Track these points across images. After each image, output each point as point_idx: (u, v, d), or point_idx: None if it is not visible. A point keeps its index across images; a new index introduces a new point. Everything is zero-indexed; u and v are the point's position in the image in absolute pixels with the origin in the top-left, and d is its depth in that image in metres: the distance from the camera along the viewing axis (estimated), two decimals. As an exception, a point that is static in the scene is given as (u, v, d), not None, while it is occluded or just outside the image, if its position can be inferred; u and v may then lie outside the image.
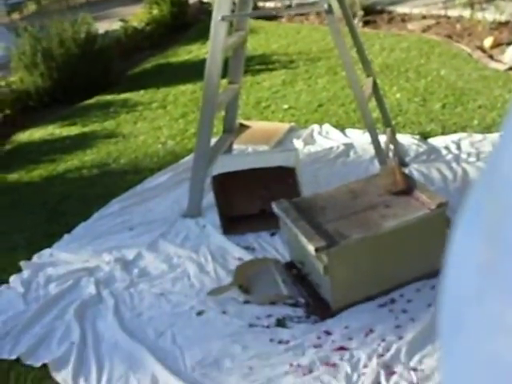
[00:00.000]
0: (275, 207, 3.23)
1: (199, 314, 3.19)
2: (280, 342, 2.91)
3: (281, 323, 3.03)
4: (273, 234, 3.71)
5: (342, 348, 2.79)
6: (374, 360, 2.69)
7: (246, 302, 3.20)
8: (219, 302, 3.23)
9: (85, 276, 3.58)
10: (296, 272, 3.28)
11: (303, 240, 2.88)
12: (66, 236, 4.05)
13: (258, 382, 2.72)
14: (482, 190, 0.48)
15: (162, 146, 5.18)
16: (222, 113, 4.45)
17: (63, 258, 3.80)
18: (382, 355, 2.71)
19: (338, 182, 4.15)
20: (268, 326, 3.02)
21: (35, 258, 3.82)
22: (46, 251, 3.88)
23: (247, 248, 3.67)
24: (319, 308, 3.01)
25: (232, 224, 3.85)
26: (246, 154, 4.43)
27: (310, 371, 2.71)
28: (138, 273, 3.59)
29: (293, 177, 3.64)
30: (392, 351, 2.72)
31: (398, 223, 2.88)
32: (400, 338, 2.78)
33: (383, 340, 2.78)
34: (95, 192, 4.61)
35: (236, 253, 3.62)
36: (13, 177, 5.05)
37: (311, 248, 2.81)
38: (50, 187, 4.79)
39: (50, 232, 4.14)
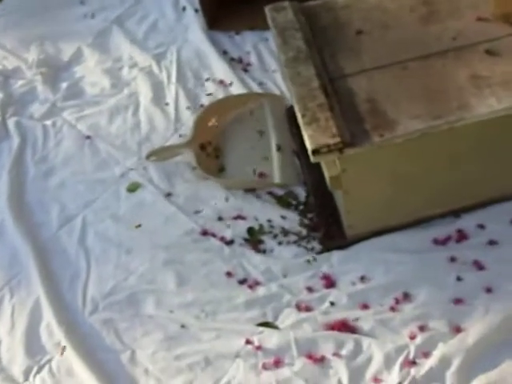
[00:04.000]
0: (268, 14, 1.58)
1: (131, 190, 1.79)
2: (241, 282, 1.54)
3: (253, 237, 1.62)
4: (285, 41, 2.07)
5: (343, 324, 1.41)
6: (396, 370, 1.32)
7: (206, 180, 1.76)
8: (164, 171, 1.80)
9: (-5, 85, 2.15)
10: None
11: (300, 121, 1.32)
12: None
13: (185, 359, 1.42)
14: None
15: None
16: None
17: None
18: (413, 362, 1.32)
19: None
20: (230, 242, 1.62)
21: None
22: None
23: (239, 61, 2.08)
24: (326, 224, 1.56)
25: (223, 14, 2.21)
26: None
27: (277, 363, 1.37)
28: (66, 89, 2.12)
29: None
30: (434, 360, 1.31)
31: (504, 108, 1.24)
32: (456, 329, 1.35)
33: (423, 328, 1.36)
34: None
35: (219, 69, 2.05)
36: None
37: (308, 146, 1.26)
38: None
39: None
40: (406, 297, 1.42)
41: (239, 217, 1.65)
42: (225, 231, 1.63)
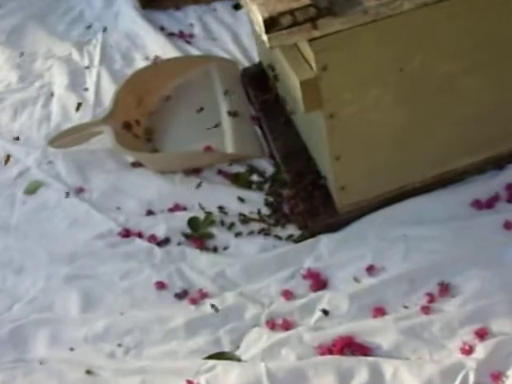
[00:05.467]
0: None
1: (30, 191, 1.21)
2: (180, 297, 0.94)
3: (197, 231, 1.04)
4: (237, 7, 1.58)
5: (348, 343, 0.81)
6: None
7: (136, 166, 1.21)
8: (76, 163, 1.24)
9: None
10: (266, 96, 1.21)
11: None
12: None
13: None
14: None
15: None
16: None
17: None
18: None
19: None
20: (163, 242, 1.02)
21: None
22: None
23: (179, 36, 1.54)
24: (307, 196, 1.00)
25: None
26: None
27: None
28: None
29: None
30: (516, 385, 0.73)
31: None
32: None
33: (483, 334, 0.77)
34: None
35: (155, 45, 1.51)
36: None
37: (259, 17, 0.73)
38: None
39: None
40: (445, 289, 0.83)
41: (177, 207, 1.08)
42: (156, 228, 1.05)
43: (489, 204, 0.91)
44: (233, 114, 1.20)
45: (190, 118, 1.25)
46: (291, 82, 0.77)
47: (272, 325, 0.85)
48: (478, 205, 0.91)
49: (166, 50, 1.48)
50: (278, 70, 1.01)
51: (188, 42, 1.51)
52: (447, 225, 0.89)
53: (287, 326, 0.85)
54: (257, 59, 1.33)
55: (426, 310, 0.81)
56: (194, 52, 1.46)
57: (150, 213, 1.08)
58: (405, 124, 0.83)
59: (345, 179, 0.87)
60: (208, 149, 1.15)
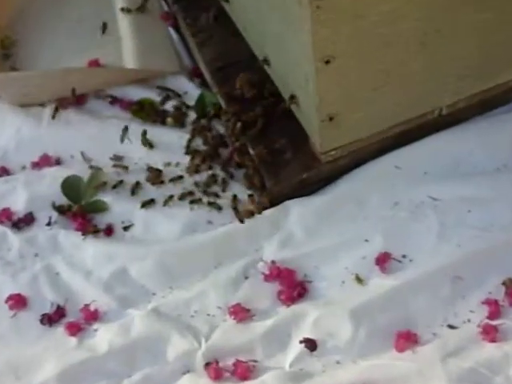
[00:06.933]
0: None
1: None
2: (50, 321, 0.54)
3: (78, 200, 0.63)
4: None
5: None
6: None
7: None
8: None
9: None
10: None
11: None
12: None
13: None
14: None
15: None
16: None
17: None
18: None
19: None
20: (23, 221, 0.62)
21: None
22: None
23: None
24: (266, 140, 0.60)
25: None
26: None
27: None
28: None
29: None
30: None
31: None
32: None
33: None
34: None
35: None
36: None
37: None
38: None
39: None
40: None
41: (46, 161, 0.66)
42: (11, 198, 0.62)
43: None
44: (134, 10, 0.77)
45: (67, 19, 0.80)
46: None
47: (215, 371, 0.47)
48: None
49: None
50: None
51: None
52: (499, 178, 0.53)
53: (243, 372, 0.47)
54: None
55: (489, 332, 0.45)
56: None
57: (2, 171, 0.66)
58: (440, 4, 0.44)
59: (336, 102, 0.48)
60: (94, 63, 0.72)
